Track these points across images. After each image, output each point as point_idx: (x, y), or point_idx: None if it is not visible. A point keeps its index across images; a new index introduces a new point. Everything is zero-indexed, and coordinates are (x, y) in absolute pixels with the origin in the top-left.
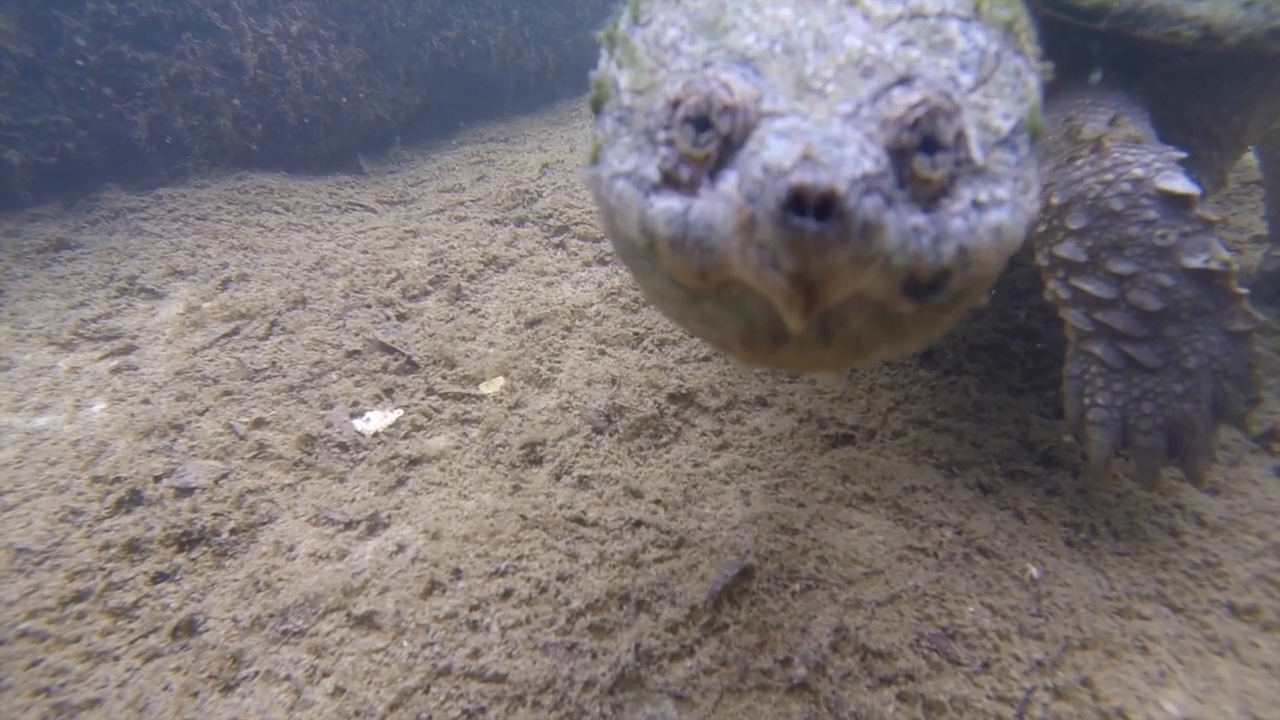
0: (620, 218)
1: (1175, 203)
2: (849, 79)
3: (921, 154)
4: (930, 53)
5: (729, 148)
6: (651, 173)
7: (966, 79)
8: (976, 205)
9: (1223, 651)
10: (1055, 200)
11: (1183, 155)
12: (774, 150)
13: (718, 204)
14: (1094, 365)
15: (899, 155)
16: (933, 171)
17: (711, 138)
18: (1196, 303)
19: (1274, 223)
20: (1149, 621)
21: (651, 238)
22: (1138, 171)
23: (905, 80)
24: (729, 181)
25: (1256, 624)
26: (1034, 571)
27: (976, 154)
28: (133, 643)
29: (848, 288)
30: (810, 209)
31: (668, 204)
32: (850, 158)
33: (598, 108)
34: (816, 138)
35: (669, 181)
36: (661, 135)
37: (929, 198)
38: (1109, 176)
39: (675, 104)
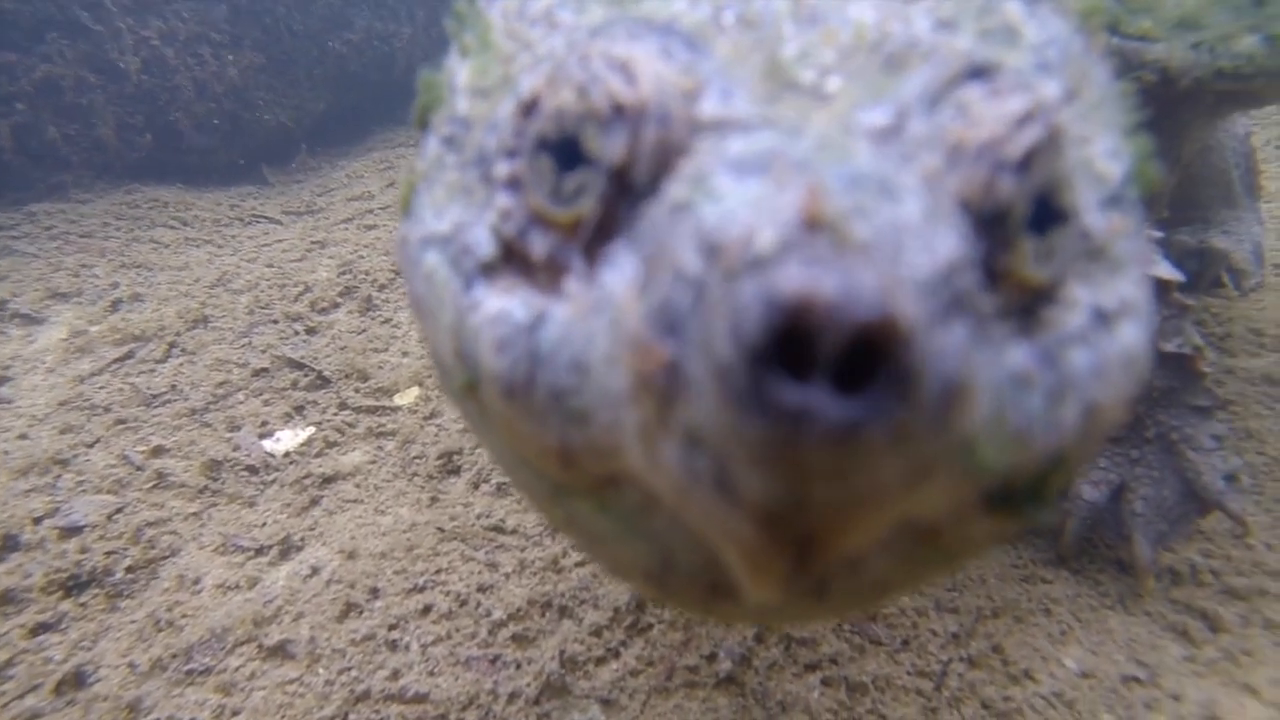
0: (429, 320)
1: (1157, 289)
2: (866, 68)
3: (1029, 229)
4: (985, 43)
5: (626, 196)
6: (480, 240)
7: (1050, 89)
8: (1100, 317)
9: (1113, 605)
10: None
11: (1159, 235)
12: (730, 203)
13: (595, 321)
14: None
15: (986, 226)
16: (1045, 267)
17: (590, 180)
18: (1165, 382)
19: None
20: (1051, 584)
21: (473, 370)
22: None
23: (981, 72)
24: (621, 271)
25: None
26: None
27: (1094, 222)
28: (5, 706)
29: (881, 525)
30: (823, 364)
31: (502, 306)
32: (914, 231)
33: (424, 122)
34: (835, 176)
35: (511, 260)
36: (502, 169)
37: (1023, 309)
38: None
39: (528, 108)
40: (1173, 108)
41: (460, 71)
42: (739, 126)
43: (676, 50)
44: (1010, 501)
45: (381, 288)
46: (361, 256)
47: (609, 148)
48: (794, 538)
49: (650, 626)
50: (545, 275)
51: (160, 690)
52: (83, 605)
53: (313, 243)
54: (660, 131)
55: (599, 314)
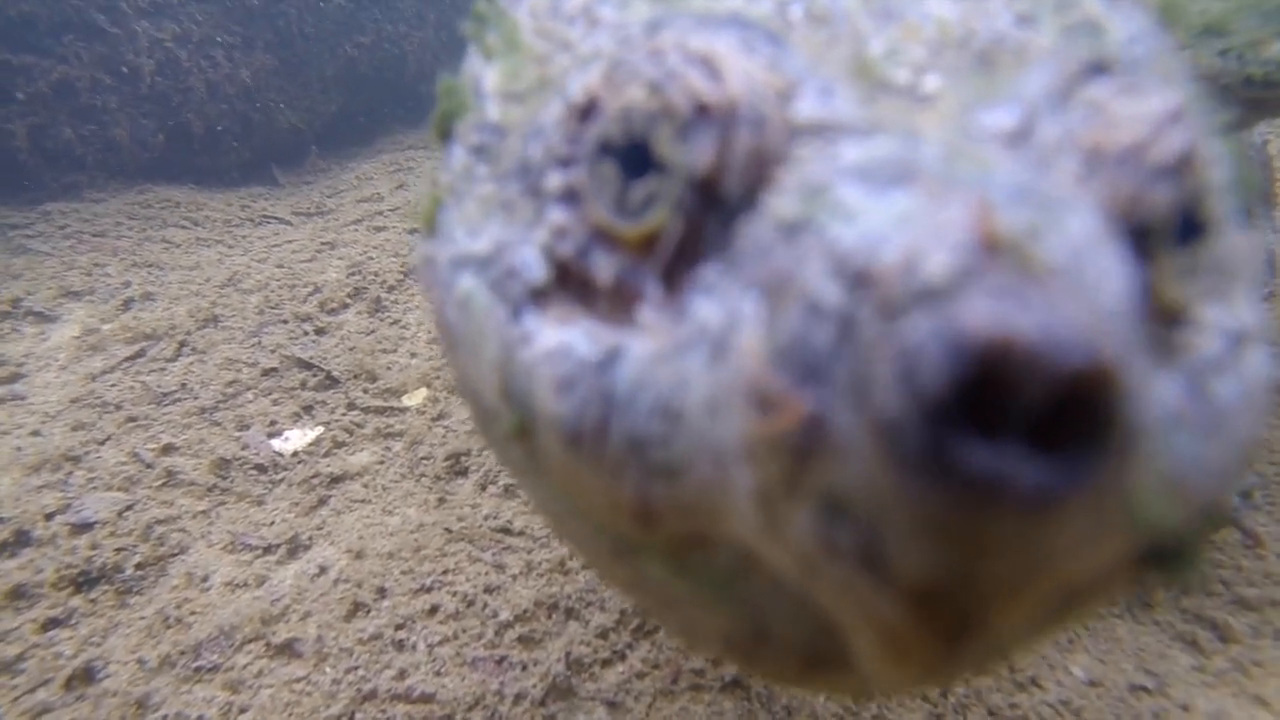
0: (464, 352)
1: None
2: (961, 67)
3: (1173, 243)
4: (1071, 40)
5: (713, 211)
6: (529, 261)
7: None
8: (1232, 341)
9: (1121, 614)
10: None
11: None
12: (871, 220)
13: (688, 359)
14: None
15: (1134, 242)
16: (1186, 286)
17: (663, 189)
18: None
19: None
20: None
21: (525, 412)
22: None
23: (1104, 68)
24: (719, 301)
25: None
26: None
27: (1225, 238)
28: (16, 700)
29: (1045, 596)
30: (1016, 420)
31: (563, 339)
32: (1090, 253)
33: (446, 131)
34: (996, 188)
35: (567, 285)
36: (555, 180)
37: (1162, 334)
38: None
39: (585, 111)
40: None
41: (487, 75)
42: (845, 131)
43: (759, 44)
44: (1161, 557)
45: (390, 289)
46: (371, 258)
47: (694, 154)
48: (950, 618)
49: (656, 630)
50: (610, 303)
51: (169, 687)
52: (93, 601)
53: (322, 244)
54: (754, 136)
55: (692, 351)
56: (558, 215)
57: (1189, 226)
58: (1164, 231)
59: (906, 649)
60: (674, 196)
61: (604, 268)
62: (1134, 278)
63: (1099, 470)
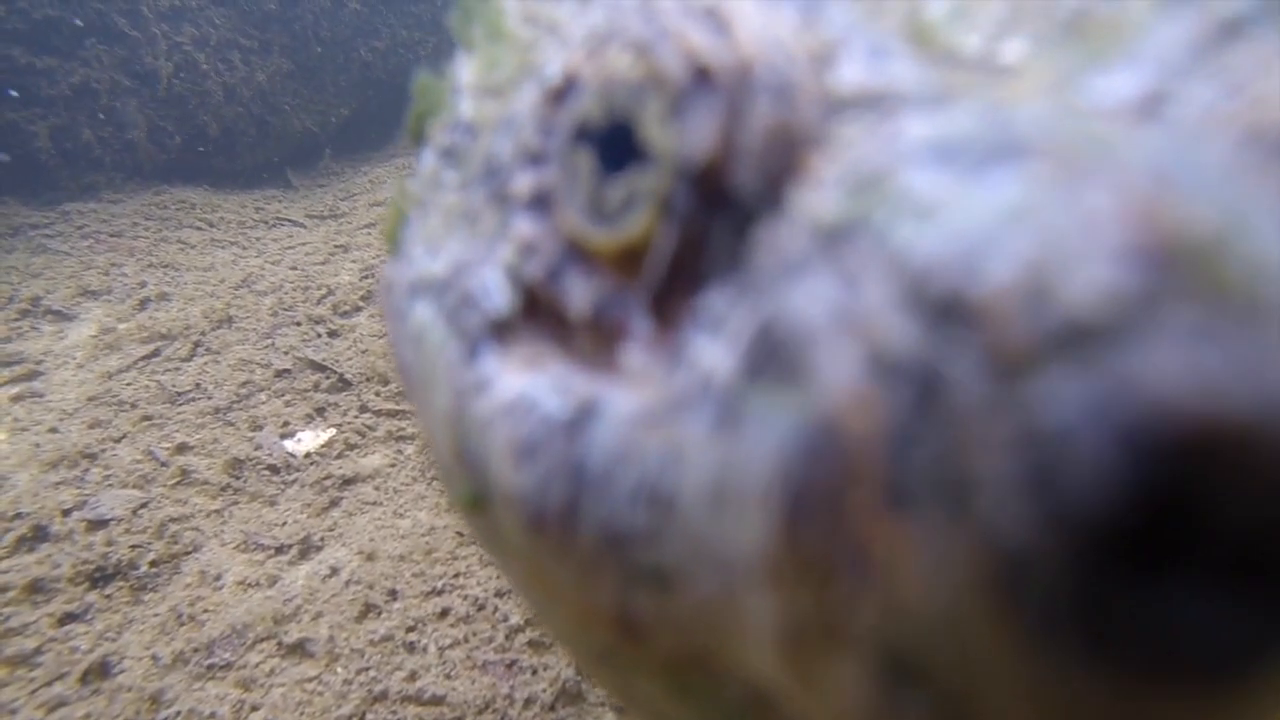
0: (418, 399)
1: None
2: (1045, 34)
3: None
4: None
5: (719, 213)
6: (489, 286)
7: None
8: None
9: None
10: None
11: None
12: (959, 219)
13: (687, 423)
14: None
15: None
16: None
17: (648, 183)
18: None
19: None
20: None
21: (479, 481)
22: None
23: (1237, 31)
24: (729, 339)
25: None
26: None
27: None
28: (34, 693)
29: None
30: (1210, 554)
31: (524, 390)
32: None
33: (419, 134)
34: (1165, 177)
35: (536, 316)
36: (523, 182)
37: None
38: None
39: (560, 92)
40: None
41: (465, 69)
42: (907, 102)
43: None
44: None
45: None
46: (384, 261)
47: (688, 135)
48: None
49: None
50: (589, 340)
51: (182, 683)
52: (108, 597)
53: (336, 246)
54: (777, 109)
55: (691, 411)
56: (525, 226)
57: None
58: None
59: None
60: (661, 194)
61: (579, 294)
62: None
63: None
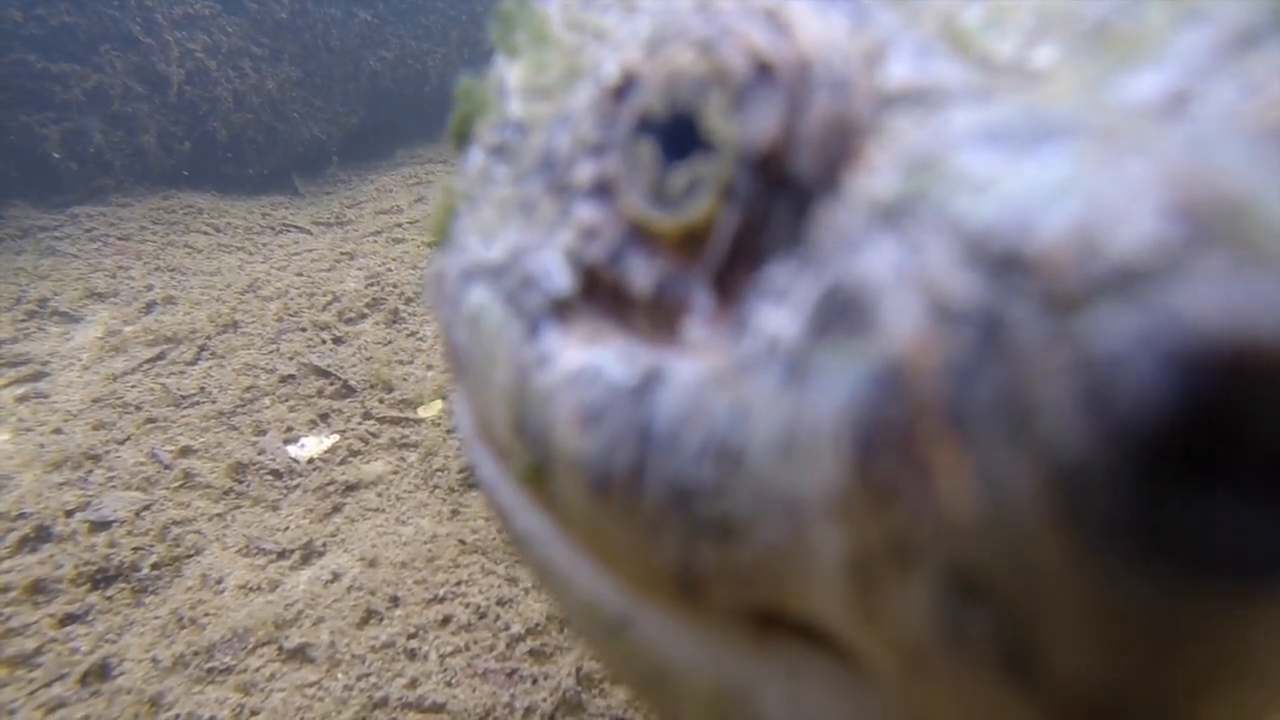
0: (474, 378)
1: None
2: (1076, 42)
3: None
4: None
5: (780, 197)
6: (550, 268)
7: None
8: None
9: None
10: None
11: None
12: (1014, 186)
13: (751, 384)
14: None
15: None
16: None
17: (711, 172)
18: None
19: None
20: None
21: (541, 450)
22: None
23: (1256, 40)
24: (793, 308)
25: None
26: None
27: None
28: (33, 693)
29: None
30: (1256, 467)
31: (589, 361)
32: None
33: (463, 135)
34: (1195, 155)
35: (596, 296)
36: (584, 171)
37: None
38: None
39: (622, 90)
40: None
41: (511, 72)
42: (953, 97)
43: (836, 1)
44: None
45: (408, 301)
46: (389, 269)
47: (752, 125)
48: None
49: None
50: (650, 318)
51: (181, 686)
52: (109, 599)
53: (342, 253)
54: (834, 102)
55: (758, 372)
56: (586, 212)
57: None
58: None
59: None
60: (725, 179)
61: (641, 274)
62: None
63: None
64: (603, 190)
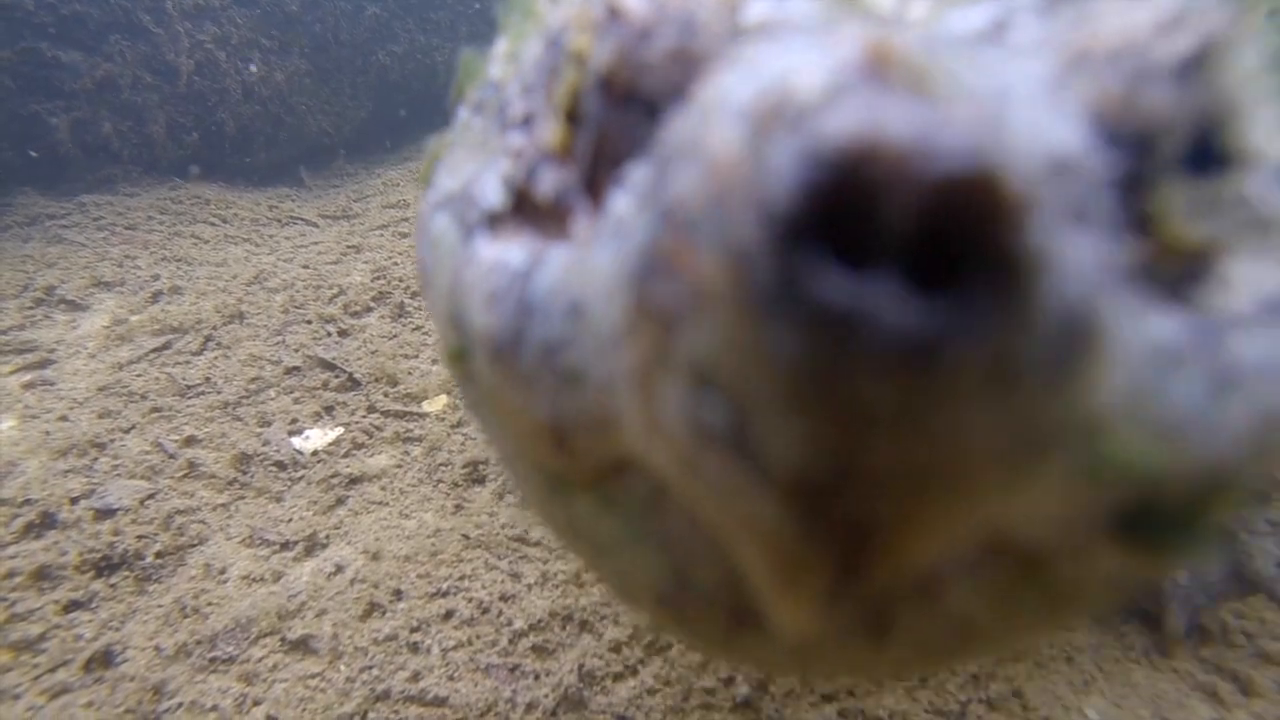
0: (431, 289)
1: None
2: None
3: (1180, 167)
4: None
5: (631, 111)
6: (487, 189)
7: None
8: (1272, 308)
9: (1138, 659)
10: None
11: None
12: (770, 67)
13: (598, 254)
14: None
15: (1125, 149)
16: (1200, 224)
17: (576, 78)
18: None
19: None
20: (1074, 633)
21: (464, 333)
22: None
23: None
24: (633, 190)
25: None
26: None
27: (1262, 191)
28: (37, 678)
29: (963, 525)
30: (888, 244)
31: (499, 255)
32: (1020, 104)
33: (456, 101)
34: (914, 38)
35: (523, 209)
36: (518, 108)
37: (1172, 278)
38: None
39: (555, 39)
40: None
41: (499, 44)
42: (794, 27)
43: None
44: (1149, 529)
45: (414, 295)
46: (395, 263)
47: (598, 53)
48: (839, 526)
49: (669, 646)
50: (553, 220)
51: (184, 675)
52: (113, 586)
53: (348, 247)
54: (680, 37)
55: (600, 241)
56: (515, 139)
57: (1205, 155)
58: (1165, 146)
59: (794, 570)
60: (575, 87)
61: (546, 184)
62: (1088, 153)
63: (993, 317)
64: (529, 121)
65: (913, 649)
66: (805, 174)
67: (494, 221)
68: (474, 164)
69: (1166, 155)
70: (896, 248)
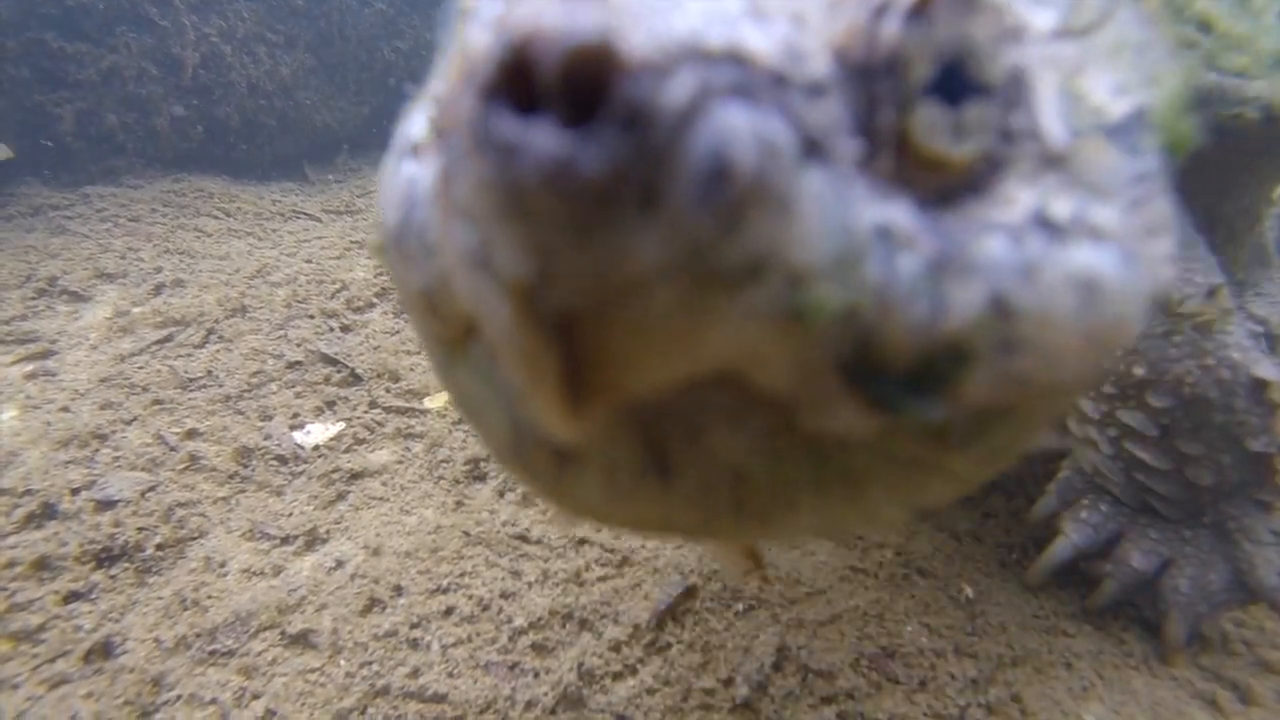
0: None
1: (1260, 390)
2: None
3: (936, 96)
4: None
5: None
6: (415, 127)
7: (1043, 19)
8: (1044, 223)
9: (1138, 665)
10: (1138, 372)
11: (1260, 330)
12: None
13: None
14: (1105, 508)
15: (872, 79)
16: (958, 143)
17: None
18: (1241, 477)
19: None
20: (1073, 639)
21: (382, 229)
22: (1235, 356)
23: None
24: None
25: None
26: (969, 592)
27: (1050, 125)
28: (36, 669)
29: (666, 344)
30: (544, 98)
31: (412, 172)
32: (716, 16)
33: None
34: None
35: (438, 139)
36: (441, 67)
37: (939, 192)
38: (1210, 362)
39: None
40: (1265, 150)
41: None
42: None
43: None
44: (882, 385)
45: None
46: None
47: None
48: (551, 317)
49: (669, 646)
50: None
51: (183, 668)
52: (113, 578)
53: (351, 242)
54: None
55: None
56: (437, 85)
57: (961, 86)
58: (911, 76)
59: (532, 363)
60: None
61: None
62: (822, 76)
63: (612, 142)
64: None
65: (701, 496)
66: (495, 54)
67: (417, 149)
68: (419, 114)
69: (911, 81)
70: (553, 99)
